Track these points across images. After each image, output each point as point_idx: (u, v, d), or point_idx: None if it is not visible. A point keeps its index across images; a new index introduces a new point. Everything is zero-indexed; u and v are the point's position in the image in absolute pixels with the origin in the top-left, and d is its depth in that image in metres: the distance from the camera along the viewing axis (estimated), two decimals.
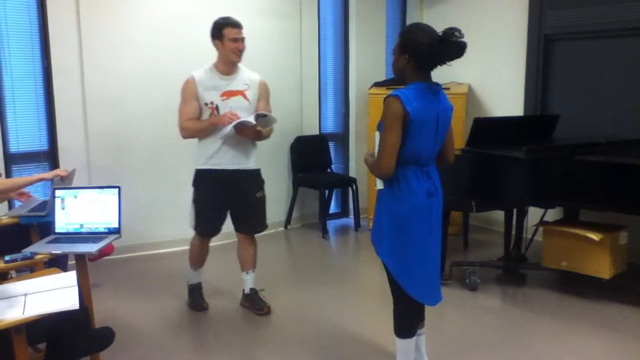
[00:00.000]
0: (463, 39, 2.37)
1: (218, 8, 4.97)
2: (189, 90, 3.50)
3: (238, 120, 3.35)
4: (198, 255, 3.76)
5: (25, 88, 4.46)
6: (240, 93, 3.52)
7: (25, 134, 4.50)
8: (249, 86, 3.56)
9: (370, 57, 6.14)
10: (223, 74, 3.51)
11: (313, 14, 5.79)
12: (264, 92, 3.65)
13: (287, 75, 5.49)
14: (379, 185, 2.57)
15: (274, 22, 5.20)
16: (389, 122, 2.42)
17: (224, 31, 3.43)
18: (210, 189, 3.56)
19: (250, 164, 3.59)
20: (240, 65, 3.57)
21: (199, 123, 3.49)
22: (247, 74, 3.60)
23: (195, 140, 3.63)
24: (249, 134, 3.45)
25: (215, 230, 3.69)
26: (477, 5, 5.63)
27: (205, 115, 3.50)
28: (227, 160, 3.51)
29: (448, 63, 2.44)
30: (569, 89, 5.11)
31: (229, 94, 3.50)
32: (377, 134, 2.55)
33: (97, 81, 4.63)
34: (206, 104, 3.48)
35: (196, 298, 3.80)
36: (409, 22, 6.38)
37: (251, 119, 3.38)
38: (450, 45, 2.37)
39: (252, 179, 3.64)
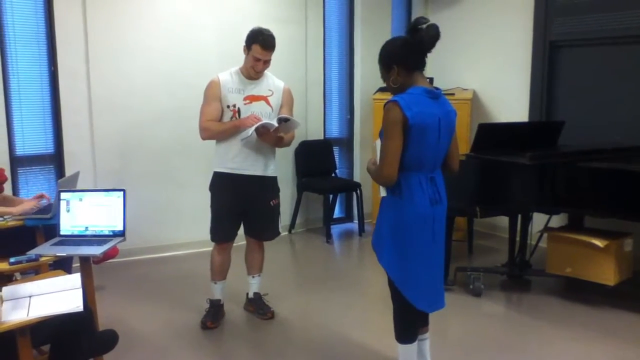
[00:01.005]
0: (431, 22, 2.42)
1: (225, 14, 5.04)
2: (213, 91, 3.47)
3: (260, 122, 3.31)
4: (218, 266, 3.65)
5: (32, 91, 4.49)
6: (264, 98, 3.50)
7: (32, 137, 4.52)
8: (273, 92, 3.53)
9: (375, 63, 5.99)
10: (248, 78, 3.48)
11: (318, 19, 5.82)
12: (288, 100, 3.61)
13: (292, 80, 5.47)
14: (383, 192, 2.57)
15: (279, 28, 5.17)
16: (389, 129, 2.42)
17: (253, 46, 3.37)
18: (227, 194, 3.52)
19: (269, 171, 3.56)
20: (266, 71, 3.54)
21: (221, 124, 3.45)
22: (272, 80, 3.57)
23: (204, 144, 3.63)
24: (270, 139, 3.41)
25: (230, 236, 3.63)
26: (482, 11, 5.64)
27: (226, 117, 3.47)
28: (247, 165, 3.48)
29: (432, 42, 2.44)
30: (574, 96, 5.11)
31: (252, 98, 3.47)
32: (378, 142, 2.55)
33: (104, 85, 4.66)
34: (228, 106, 3.45)
35: (210, 315, 3.63)
36: None
37: (274, 121, 3.36)
38: (422, 31, 2.42)
39: (269, 187, 3.61)
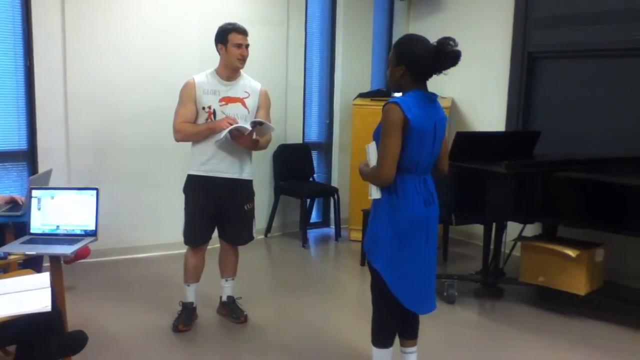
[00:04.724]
0: (457, 48, 2.40)
1: (205, 14, 5.01)
2: (187, 93, 3.43)
3: (234, 126, 3.29)
4: (191, 268, 3.60)
5: (6, 87, 4.39)
6: (240, 100, 3.47)
7: (4, 133, 4.43)
8: (249, 94, 3.51)
9: (356, 68, 6.17)
10: (224, 79, 3.46)
11: (300, 23, 5.81)
12: (265, 102, 3.59)
13: (272, 83, 5.48)
14: (375, 194, 2.56)
15: (261, 30, 5.22)
16: (390, 129, 2.42)
17: (229, 36, 3.38)
18: (201, 196, 3.48)
19: (244, 174, 3.53)
20: (242, 72, 3.53)
21: (195, 127, 3.42)
22: (249, 82, 3.55)
23: (181, 145, 3.59)
24: (246, 142, 3.38)
25: (204, 239, 3.59)
26: (462, 21, 5.70)
27: (202, 119, 3.43)
28: (222, 168, 3.44)
29: (444, 72, 2.46)
30: (551, 107, 5.18)
31: (227, 100, 3.44)
32: (372, 144, 2.56)
33: (80, 83, 4.59)
34: (203, 108, 3.41)
35: (182, 318, 3.57)
36: (395, 35, 6.43)
37: (247, 125, 3.35)
38: (445, 55, 2.40)
39: (244, 190, 3.58)
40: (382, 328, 2.68)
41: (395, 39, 6.51)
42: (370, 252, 2.63)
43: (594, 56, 4.85)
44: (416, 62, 2.47)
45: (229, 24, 3.45)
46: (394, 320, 2.67)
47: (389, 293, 2.57)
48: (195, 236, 3.58)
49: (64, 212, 3.09)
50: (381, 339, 2.68)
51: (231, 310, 3.75)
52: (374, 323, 2.70)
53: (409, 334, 2.78)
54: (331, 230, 6.07)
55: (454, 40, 2.41)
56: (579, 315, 3.92)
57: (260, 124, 3.38)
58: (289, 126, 5.85)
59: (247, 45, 3.44)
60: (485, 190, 3.96)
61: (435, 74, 2.50)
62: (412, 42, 2.53)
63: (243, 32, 3.43)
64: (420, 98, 2.49)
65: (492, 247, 4.40)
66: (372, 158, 2.55)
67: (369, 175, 2.58)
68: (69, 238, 3.03)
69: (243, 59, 3.44)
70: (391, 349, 2.69)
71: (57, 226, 3.09)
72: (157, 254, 4.98)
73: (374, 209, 2.62)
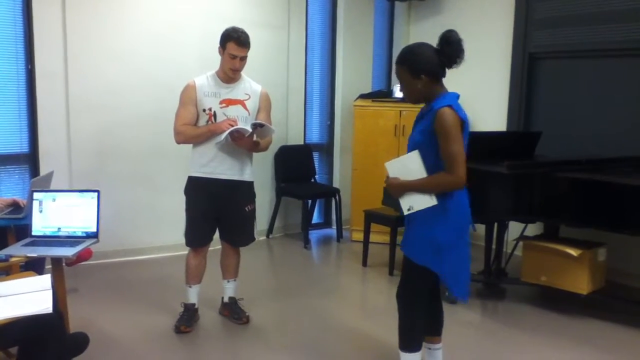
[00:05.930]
0: (459, 37, 2.47)
1: (207, 18, 5.03)
2: (188, 95, 3.44)
3: (234, 128, 3.29)
4: (193, 270, 3.60)
5: (7, 90, 4.41)
6: (240, 102, 3.47)
7: (6, 136, 4.44)
8: (250, 96, 3.51)
9: (357, 70, 6.18)
10: (224, 81, 3.46)
11: (301, 25, 5.82)
12: (265, 104, 3.58)
13: (273, 84, 5.50)
14: (429, 201, 2.51)
15: (262, 33, 5.22)
16: (454, 132, 2.45)
17: (228, 44, 3.36)
18: (202, 198, 3.49)
19: (245, 175, 3.54)
20: (243, 74, 3.52)
21: (196, 129, 3.43)
22: (250, 84, 3.54)
23: (182, 147, 3.60)
24: (246, 144, 3.39)
25: (205, 240, 3.60)
26: (463, 22, 5.68)
27: (202, 121, 3.44)
28: (223, 169, 3.45)
29: (457, 61, 2.49)
30: (552, 107, 5.18)
31: (228, 102, 3.44)
32: (411, 155, 2.53)
33: (82, 86, 4.59)
34: (204, 110, 3.42)
35: (184, 319, 3.57)
36: (396, 36, 6.45)
37: (248, 127, 3.35)
38: (454, 44, 2.46)
39: (245, 192, 3.58)
40: (412, 331, 2.69)
41: (395, 40, 6.56)
42: (427, 259, 2.59)
43: (594, 56, 4.85)
44: (433, 63, 2.50)
45: (234, 31, 3.38)
46: (424, 323, 2.71)
47: (430, 294, 2.65)
48: (196, 238, 3.58)
49: (66, 214, 3.10)
50: (413, 343, 2.69)
51: (233, 311, 3.75)
52: (405, 328, 2.70)
53: (437, 330, 2.83)
54: (333, 231, 6.07)
55: (453, 30, 2.49)
56: (580, 315, 3.92)
57: (261, 125, 3.38)
58: (290, 127, 5.86)
59: (242, 57, 3.39)
60: (487, 191, 3.96)
61: (449, 67, 2.53)
62: (419, 50, 2.56)
63: (242, 44, 3.36)
64: (456, 99, 2.54)
65: (493, 247, 4.41)
66: (418, 169, 2.51)
67: (432, 185, 2.51)
68: (71, 240, 3.04)
69: (234, 70, 3.41)
70: (421, 352, 2.72)
71: (59, 228, 3.10)
72: (159, 256, 4.99)
73: (421, 217, 2.57)
